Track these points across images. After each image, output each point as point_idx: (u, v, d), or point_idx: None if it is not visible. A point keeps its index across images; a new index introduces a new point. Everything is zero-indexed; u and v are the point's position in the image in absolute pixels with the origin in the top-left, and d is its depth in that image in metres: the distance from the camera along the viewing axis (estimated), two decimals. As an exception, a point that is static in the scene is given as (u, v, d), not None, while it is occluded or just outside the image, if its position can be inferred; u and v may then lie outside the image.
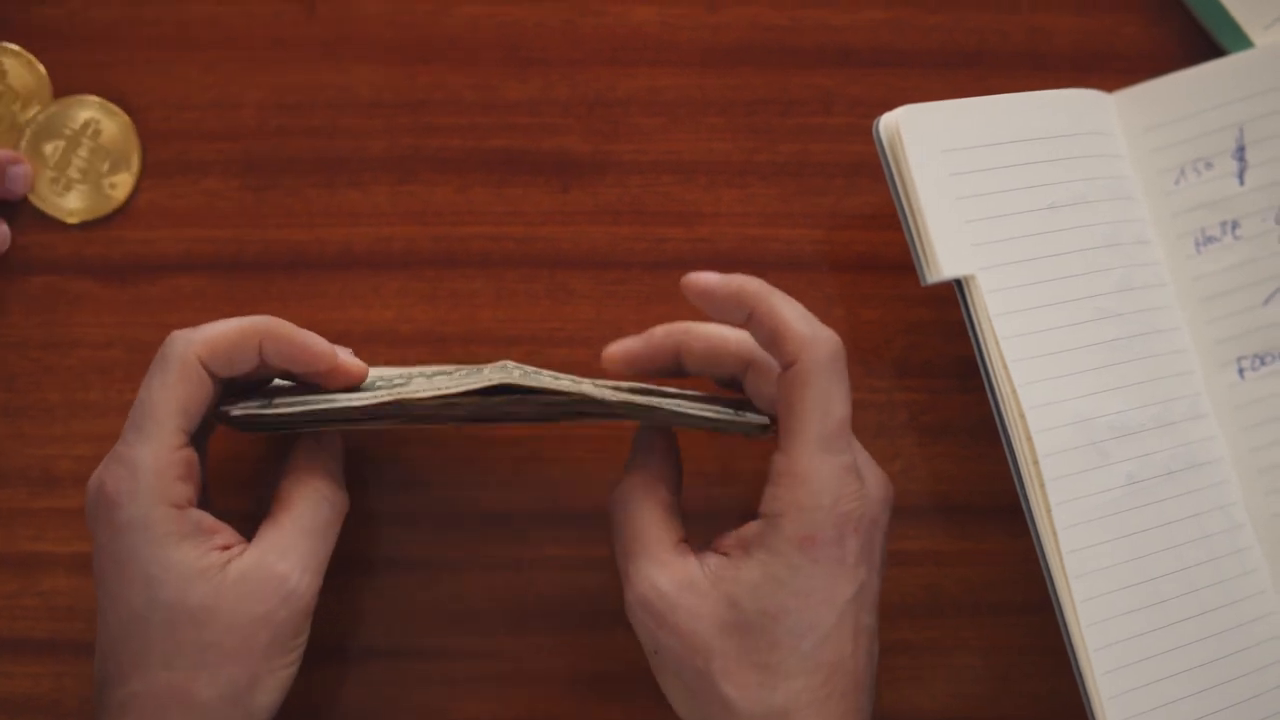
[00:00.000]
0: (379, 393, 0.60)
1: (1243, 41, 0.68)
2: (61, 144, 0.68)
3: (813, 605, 0.58)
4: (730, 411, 0.62)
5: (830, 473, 0.59)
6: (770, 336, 0.60)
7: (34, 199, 0.68)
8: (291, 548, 0.60)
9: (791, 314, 0.59)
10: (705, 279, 0.60)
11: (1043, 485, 0.61)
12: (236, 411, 0.61)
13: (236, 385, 0.63)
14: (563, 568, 0.67)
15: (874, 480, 0.61)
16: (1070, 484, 0.61)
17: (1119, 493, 0.62)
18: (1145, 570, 0.62)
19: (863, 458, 0.62)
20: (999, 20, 0.70)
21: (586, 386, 0.61)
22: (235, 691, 0.59)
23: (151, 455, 0.59)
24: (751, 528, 0.60)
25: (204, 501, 0.61)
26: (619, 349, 0.63)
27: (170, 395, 0.59)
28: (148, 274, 0.68)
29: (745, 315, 0.60)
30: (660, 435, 0.63)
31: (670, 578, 0.59)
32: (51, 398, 0.68)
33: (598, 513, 0.66)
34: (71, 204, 0.68)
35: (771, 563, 0.58)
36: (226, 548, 0.60)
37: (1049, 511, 0.61)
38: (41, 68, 0.69)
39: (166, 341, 0.60)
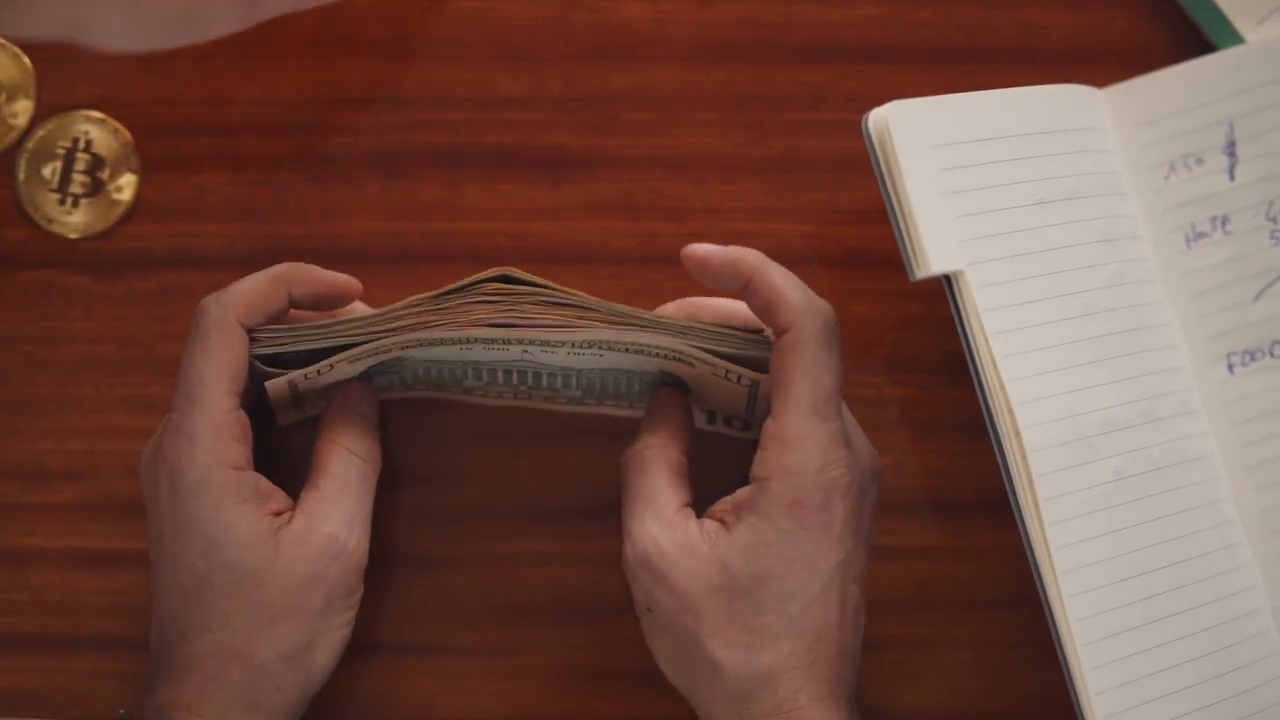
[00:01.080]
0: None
1: (1233, 37, 0.68)
2: (58, 164, 0.69)
3: (799, 570, 0.59)
4: (737, 334, 0.62)
5: (819, 439, 0.60)
6: (765, 305, 0.60)
7: (44, 223, 0.68)
8: (333, 509, 0.62)
9: (787, 284, 0.61)
10: (703, 249, 0.62)
11: (1031, 480, 0.61)
12: (263, 338, 0.62)
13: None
14: (554, 563, 0.67)
15: (863, 451, 0.62)
16: (1059, 479, 0.61)
17: (1108, 488, 0.62)
18: (1134, 565, 0.62)
19: (853, 429, 0.62)
20: (990, 15, 0.70)
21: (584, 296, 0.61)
22: (293, 650, 0.61)
23: (207, 421, 0.60)
24: (743, 493, 0.60)
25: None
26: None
27: (216, 361, 0.61)
28: (139, 270, 0.69)
29: (743, 284, 0.61)
30: (675, 398, 0.64)
31: (672, 538, 0.60)
32: (43, 392, 0.68)
33: (588, 509, 0.66)
34: (79, 219, 0.68)
35: (760, 526, 0.59)
36: (279, 513, 0.61)
37: (1037, 506, 0.61)
38: (27, 60, 0.69)
39: (200, 310, 0.61)
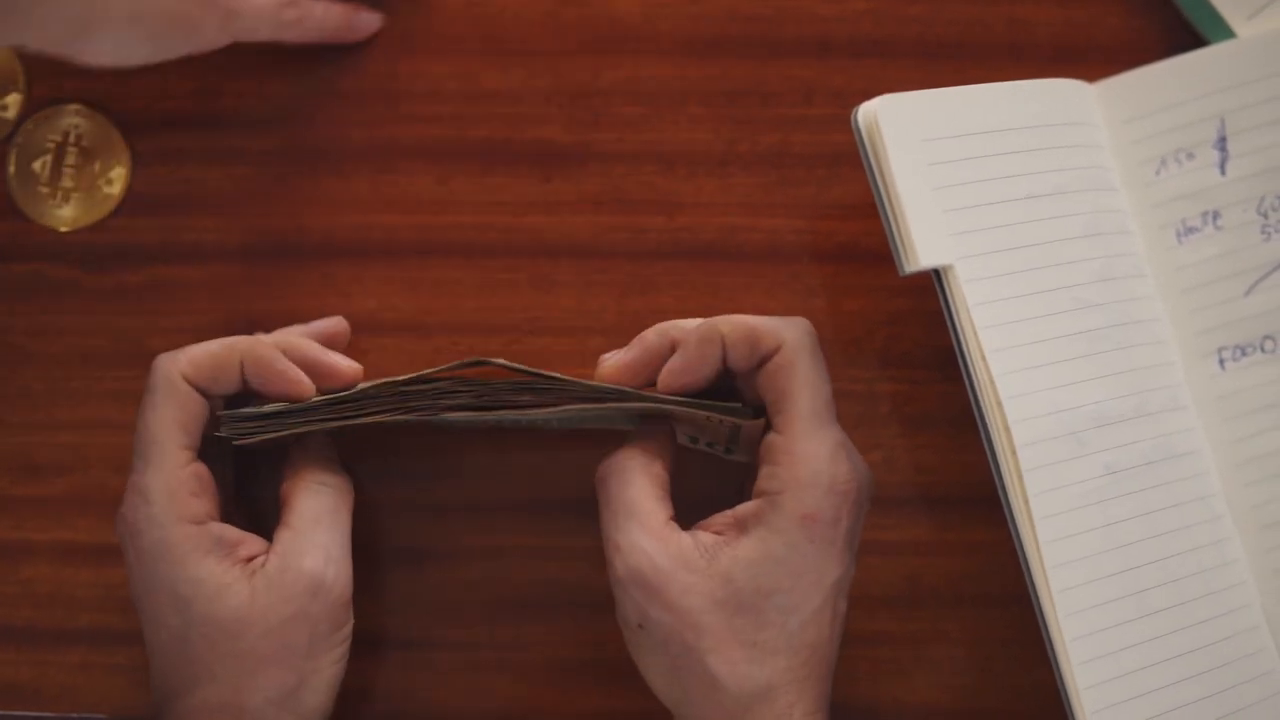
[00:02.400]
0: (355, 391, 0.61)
1: (1224, 32, 0.68)
2: (48, 158, 0.69)
3: (804, 586, 0.59)
4: (709, 403, 0.62)
5: (827, 452, 0.60)
6: (748, 344, 0.60)
7: (34, 216, 0.68)
8: (308, 543, 0.61)
9: (756, 318, 0.61)
10: (672, 367, 0.61)
11: (1020, 475, 0.61)
12: (224, 415, 0.61)
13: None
14: (542, 557, 0.67)
15: (861, 464, 0.62)
16: (1048, 474, 0.61)
17: (1097, 483, 0.62)
18: (1123, 561, 0.62)
19: (847, 442, 0.62)
20: (980, 11, 0.70)
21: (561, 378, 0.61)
22: (283, 695, 0.60)
23: (160, 479, 0.60)
24: (749, 507, 0.60)
25: (229, 515, 0.62)
26: (611, 363, 0.62)
27: (164, 416, 0.60)
28: (129, 263, 0.69)
29: (719, 351, 0.61)
30: (660, 416, 0.63)
31: (665, 552, 0.59)
32: (33, 385, 0.68)
33: (575, 503, 0.66)
34: (69, 212, 0.69)
35: (771, 540, 0.59)
36: (251, 558, 0.60)
37: (1027, 501, 0.61)
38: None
39: (152, 368, 0.61)
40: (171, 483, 0.60)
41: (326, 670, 0.61)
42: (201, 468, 0.61)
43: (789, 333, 0.60)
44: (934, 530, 0.68)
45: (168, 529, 0.59)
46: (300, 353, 0.62)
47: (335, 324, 0.67)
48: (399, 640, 0.67)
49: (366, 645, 0.67)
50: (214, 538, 0.60)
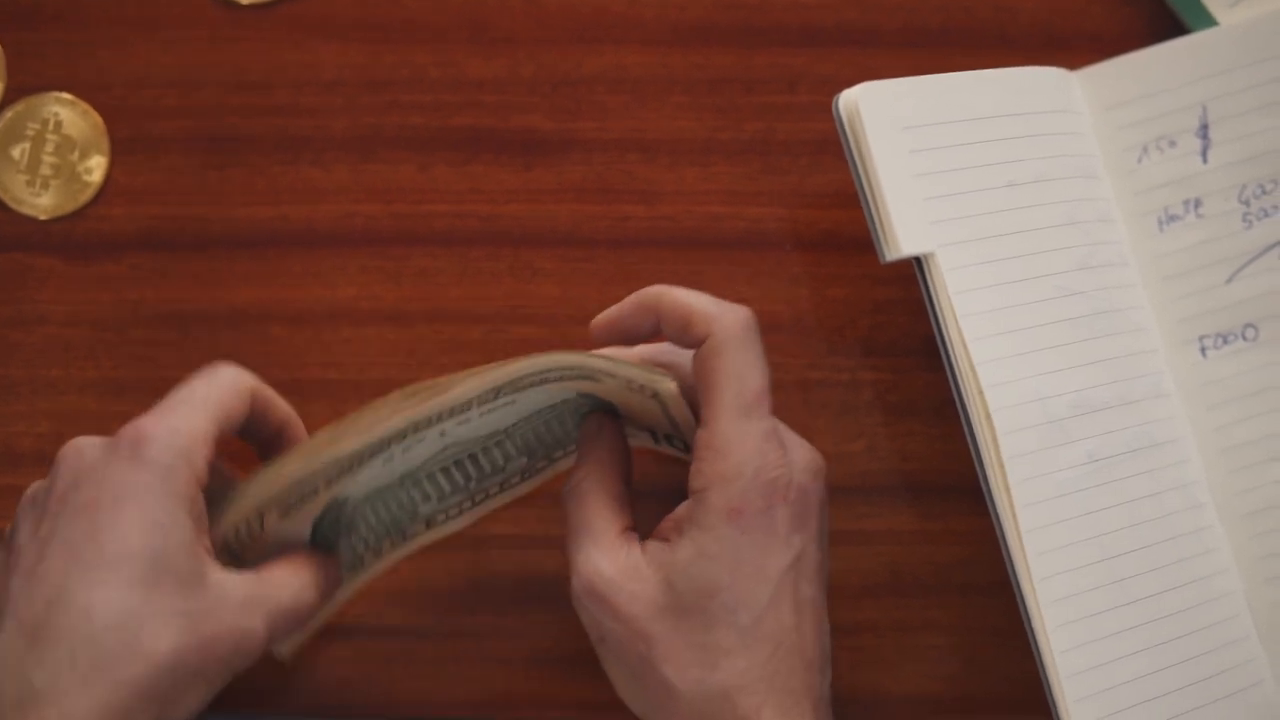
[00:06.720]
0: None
1: (1207, 20, 0.68)
2: (27, 145, 0.69)
3: (745, 578, 0.58)
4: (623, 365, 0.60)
5: (751, 442, 0.58)
6: (680, 323, 0.59)
7: (13, 204, 0.68)
8: (275, 600, 0.59)
9: (696, 297, 0.60)
10: (605, 314, 0.61)
11: (1002, 463, 0.61)
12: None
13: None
14: (521, 547, 0.67)
15: (799, 450, 0.60)
16: (1030, 462, 0.61)
17: (1079, 471, 0.62)
18: (1105, 548, 0.62)
19: (785, 429, 0.61)
20: (965, -2, 0.70)
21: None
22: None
23: (189, 425, 0.58)
24: (682, 508, 0.59)
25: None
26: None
27: (217, 393, 0.60)
28: (111, 252, 0.69)
29: (655, 321, 0.60)
30: (606, 424, 0.63)
31: (612, 563, 0.59)
32: (14, 374, 0.68)
33: (557, 493, 0.65)
34: (48, 200, 0.68)
35: (701, 538, 0.58)
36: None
37: (1008, 490, 0.61)
38: (-4, 43, 0.69)
39: (216, 366, 0.60)
40: (197, 436, 0.58)
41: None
42: (212, 465, 0.59)
43: (718, 322, 0.59)
44: (918, 519, 0.68)
45: (179, 460, 0.57)
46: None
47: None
48: (380, 630, 0.67)
49: (344, 634, 0.67)
50: (200, 509, 0.58)
